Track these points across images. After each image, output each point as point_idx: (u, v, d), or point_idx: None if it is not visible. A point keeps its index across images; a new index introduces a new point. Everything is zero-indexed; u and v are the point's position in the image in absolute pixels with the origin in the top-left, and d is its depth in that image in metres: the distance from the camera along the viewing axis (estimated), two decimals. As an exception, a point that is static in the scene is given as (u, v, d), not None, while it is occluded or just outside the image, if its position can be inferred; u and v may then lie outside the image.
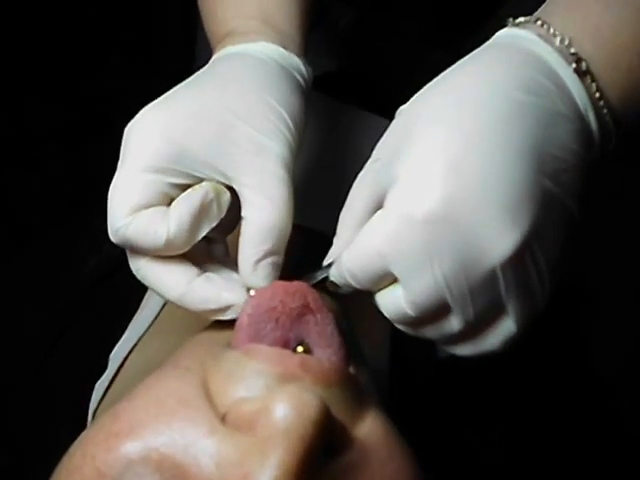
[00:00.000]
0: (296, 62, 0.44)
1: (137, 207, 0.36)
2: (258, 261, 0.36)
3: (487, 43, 0.36)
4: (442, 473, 0.41)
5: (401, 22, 0.63)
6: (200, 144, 0.37)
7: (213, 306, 0.37)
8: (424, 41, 0.63)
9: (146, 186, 0.36)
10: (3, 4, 0.88)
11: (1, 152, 0.83)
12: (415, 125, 0.33)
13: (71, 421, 0.45)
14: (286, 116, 0.39)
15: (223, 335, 0.36)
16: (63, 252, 0.57)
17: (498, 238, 0.31)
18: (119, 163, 0.38)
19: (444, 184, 0.31)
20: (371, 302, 0.36)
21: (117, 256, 0.52)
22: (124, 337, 0.48)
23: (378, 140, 0.36)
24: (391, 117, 0.37)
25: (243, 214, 0.37)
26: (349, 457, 0.31)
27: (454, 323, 0.33)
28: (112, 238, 0.37)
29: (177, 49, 0.91)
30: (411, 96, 0.36)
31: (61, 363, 0.50)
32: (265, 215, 0.36)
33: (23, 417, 0.48)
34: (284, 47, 0.44)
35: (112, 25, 0.96)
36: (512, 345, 0.34)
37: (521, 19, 0.36)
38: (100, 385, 0.47)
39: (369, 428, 0.33)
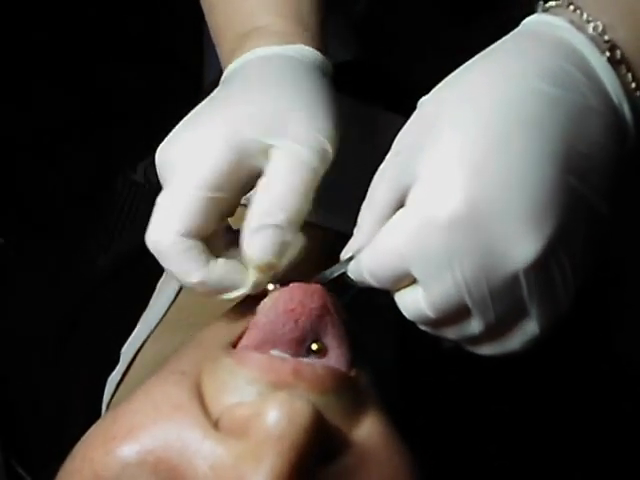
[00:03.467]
0: (330, 67, 0.43)
1: (187, 231, 0.35)
2: (257, 229, 0.35)
3: (514, 31, 0.35)
4: (448, 472, 0.41)
5: (417, 8, 0.63)
6: (256, 131, 0.36)
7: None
8: (442, 28, 0.62)
9: (201, 207, 0.35)
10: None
11: (15, 148, 0.84)
12: (437, 120, 0.32)
13: (85, 415, 0.45)
14: (333, 128, 0.38)
15: (225, 335, 0.36)
16: (76, 246, 0.57)
17: (521, 242, 0.30)
18: (165, 184, 0.36)
19: (466, 186, 0.30)
20: (378, 299, 0.36)
21: (127, 252, 0.52)
22: (135, 332, 0.48)
23: (395, 136, 0.35)
24: (410, 108, 0.35)
25: (263, 180, 0.36)
26: (346, 461, 0.32)
27: (475, 325, 0.32)
28: (147, 244, 0.36)
29: (189, 41, 0.90)
30: (430, 85, 0.34)
31: (74, 358, 0.50)
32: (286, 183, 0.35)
33: (37, 412, 0.49)
34: (320, 50, 0.42)
35: (123, 18, 0.96)
36: (534, 346, 0.33)
37: (552, 3, 0.34)
38: (112, 379, 0.47)
39: (368, 431, 0.33)
